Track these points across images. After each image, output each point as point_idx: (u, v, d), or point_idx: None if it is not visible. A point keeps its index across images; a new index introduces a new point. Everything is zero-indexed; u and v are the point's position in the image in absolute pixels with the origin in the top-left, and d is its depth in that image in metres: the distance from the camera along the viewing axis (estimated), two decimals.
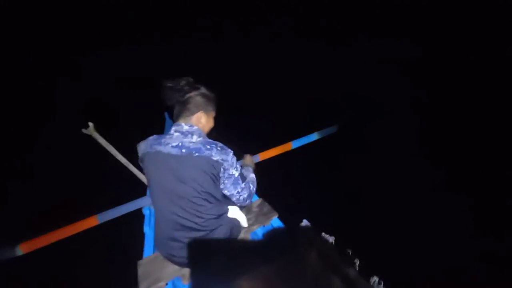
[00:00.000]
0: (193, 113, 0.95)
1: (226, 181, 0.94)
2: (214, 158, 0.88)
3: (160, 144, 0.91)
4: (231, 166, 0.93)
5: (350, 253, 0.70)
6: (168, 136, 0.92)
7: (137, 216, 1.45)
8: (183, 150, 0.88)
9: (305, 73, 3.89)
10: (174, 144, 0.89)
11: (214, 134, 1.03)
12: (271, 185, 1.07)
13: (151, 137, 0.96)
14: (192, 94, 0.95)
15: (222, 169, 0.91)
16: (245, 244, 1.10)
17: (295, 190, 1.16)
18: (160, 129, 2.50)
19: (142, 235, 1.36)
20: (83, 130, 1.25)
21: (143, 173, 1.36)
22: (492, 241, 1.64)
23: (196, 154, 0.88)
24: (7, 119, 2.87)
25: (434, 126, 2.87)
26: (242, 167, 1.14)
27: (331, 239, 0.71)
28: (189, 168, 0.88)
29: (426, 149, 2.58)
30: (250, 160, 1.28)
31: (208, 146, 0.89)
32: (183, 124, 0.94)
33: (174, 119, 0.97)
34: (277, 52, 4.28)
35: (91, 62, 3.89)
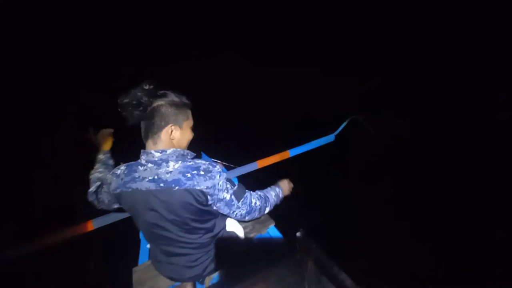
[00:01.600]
0: (160, 129, 0.80)
1: (218, 204, 0.83)
2: (198, 188, 0.76)
3: (134, 180, 0.78)
4: (220, 190, 0.80)
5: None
6: (141, 168, 0.79)
7: (133, 221, 1.44)
8: (161, 184, 0.76)
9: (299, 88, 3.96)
10: (150, 178, 0.77)
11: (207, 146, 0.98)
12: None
13: (120, 170, 0.82)
14: (154, 105, 0.79)
15: (209, 197, 0.80)
16: (243, 253, 1.09)
17: (291, 199, 1.18)
18: None
19: (137, 242, 1.35)
20: (83, 135, 1.25)
21: None
22: None
23: (176, 187, 0.75)
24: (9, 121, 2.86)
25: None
26: (273, 186, 1.07)
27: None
28: (172, 204, 0.77)
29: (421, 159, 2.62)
30: (285, 185, 1.12)
31: (189, 175, 0.76)
32: (152, 151, 0.80)
33: (143, 140, 0.84)
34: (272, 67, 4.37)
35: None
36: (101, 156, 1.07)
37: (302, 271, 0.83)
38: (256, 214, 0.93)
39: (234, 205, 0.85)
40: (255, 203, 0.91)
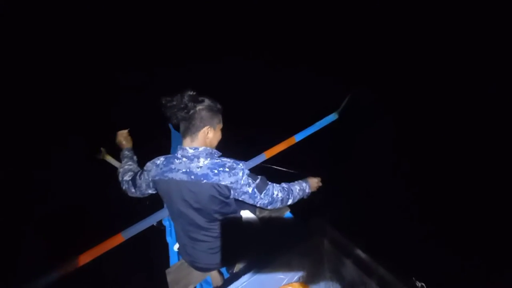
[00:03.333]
0: (199, 129, 0.92)
1: (242, 196, 0.94)
2: (223, 183, 0.87)
3: (171, 171, 0.92)
4: (243, 185, 0.91)
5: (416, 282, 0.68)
6: (177, 161, 0.93)
7: (159, 228, 1.53)
8: (192, 177, 0.88)
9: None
10: (183, 170, 0.90)
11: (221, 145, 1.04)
12: (281, 181, 1.09)
13: (160, 161, 0.96)
14: (196, 109, 0.91)
15: (232, 192, 0.91)
16: (263, 239, 1.15)
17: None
18: (167, 141, 2.56)
19: (166, 245, 1.44)
20: (96, 156, 1.32)
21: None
22: None
23: (204, 181, 0.87)
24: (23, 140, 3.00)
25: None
26: (300, 180, 1.12)
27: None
28: (200, 195, 0.89)
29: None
30: (314, 182, 1.16)
31: (216, 171, 0.87)
32: (187, 148, 0.92)
33: (182, 137, 0.97)
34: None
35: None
36: (126, 153, 1.23)
37: (320, 250, 0.88)
38: (278, 205, 1.00)
39: (257, 197, 0.94)
40: (277, 194, 0.98)
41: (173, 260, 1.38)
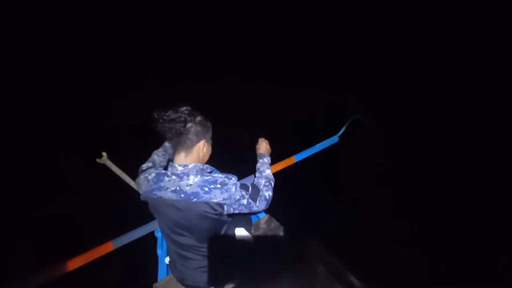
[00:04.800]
0: (194, 144, 0.91)
1: (239, 208, 0.92)
2: (215, 201, 0.85)
3: (160, 189, 0.88)
4: (238, 199, 0.89)
5: None
6: (166, 179, 0.89)
7: (150, 239, 1.50)
8: (182, 195, 0.85)
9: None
10: (172, 188, 0.87)
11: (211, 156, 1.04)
12: (277, 201, 1.10)
13: (151, 177, 0.93)
14: (192, 123, 0.90)
15: (225, 208, 0.89)
16: (255, 260, 1.12)
17: (300, 205, 1.20)
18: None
19: (155, 258, 1.40)
20: (97, 160, 1.33)
21: None
22: None
23: (194, 199, 0.84)
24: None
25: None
26: (260, 160, 1.16)
27: None
28: (190, 214, 0.86)
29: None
30: (265, 147, 1.21)
31: (207, 189, 0.85)
32: (176, 165, 0.90)
33: (174, 152, 0.94)
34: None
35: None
36: (166, 144, 1.24)
37: (313, 275, 0.86)
38: (270, 201, 1.02)
39: (253, 206, 0.94)
40: (269, 194, 1.00)
41: (162, 274, 1.33)
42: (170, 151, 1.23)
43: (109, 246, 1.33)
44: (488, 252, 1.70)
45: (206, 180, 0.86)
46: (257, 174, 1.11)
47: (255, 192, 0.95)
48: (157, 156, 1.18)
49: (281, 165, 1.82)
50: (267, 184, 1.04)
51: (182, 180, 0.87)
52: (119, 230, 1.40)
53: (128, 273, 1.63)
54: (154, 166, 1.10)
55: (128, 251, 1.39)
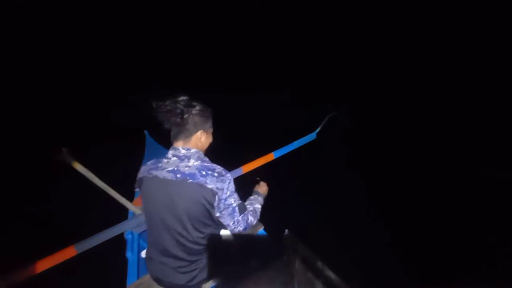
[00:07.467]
0: (192, 133, 0.92)
1: (223, 211, 0.91)
2: (209, 186, 0.85)
3: (157, 168, 0.90)
4: (228, 196, 0.89)
5: None
6: (165, 160, 0.91)
7: (118, 241, 1.40)
8: (178, 175, 0.86)
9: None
10: (170, 168, 0.88)
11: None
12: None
13: (150, 162, 0.95)
14: (190, 113, 0.90)
15: (217, 198, 0.88)
16: (234, 258, 1.09)
17: (276, 201, 1.20)
18: (141, 149, 2.45)
19: (124, 262, 1.31)
20: (56, 156, 1.20)
21: (125, 197, 1.33)
22: None
23: (190, 180, 0.85)
24: None
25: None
26: (255, 195, 1.13)
27: None
28: (182, 196, 0.86)
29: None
30: (264, 190, 1.20)
31: (204, 172, 0.86)
32: (180, 148, 0.92)
33: (172, 141, 0.95)
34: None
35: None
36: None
37: (291, 271, 0.85)
38: (248, 229, 1.00)
39: (235, 217, 0.92)
40: (251, 220, 0.99)
41: (131, 279, 1.25)
42: None
43: (72, 251, 1.21)
44: (464, 250, 1.76)
45: (205, 166, 0.89)
46: (247, 202, 1.08)
47: (242, 206, 0.95)
48: None
49: (260, 162, 1.81)
50: (254, 212, 1.03)
51: (182, 162, 0.89)
52: (84, 233, 1.30)
53: (93, 279, 1.50)
54: None
55: (94, 256, 1.28)
